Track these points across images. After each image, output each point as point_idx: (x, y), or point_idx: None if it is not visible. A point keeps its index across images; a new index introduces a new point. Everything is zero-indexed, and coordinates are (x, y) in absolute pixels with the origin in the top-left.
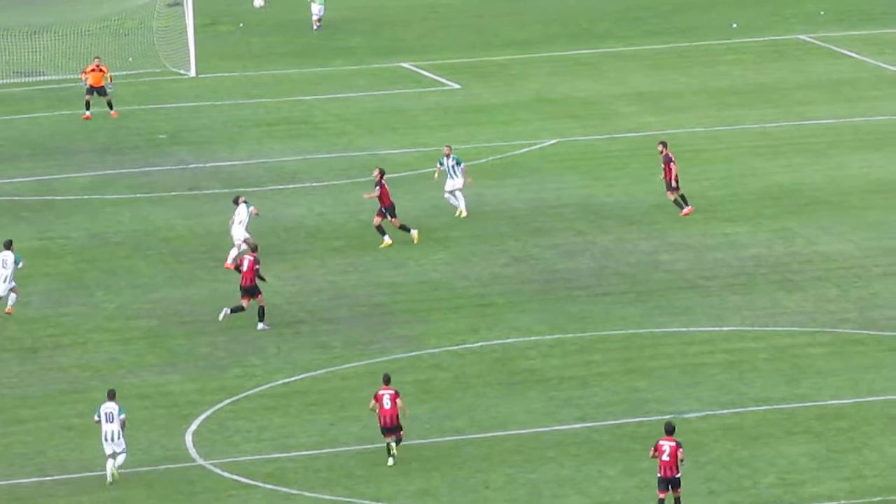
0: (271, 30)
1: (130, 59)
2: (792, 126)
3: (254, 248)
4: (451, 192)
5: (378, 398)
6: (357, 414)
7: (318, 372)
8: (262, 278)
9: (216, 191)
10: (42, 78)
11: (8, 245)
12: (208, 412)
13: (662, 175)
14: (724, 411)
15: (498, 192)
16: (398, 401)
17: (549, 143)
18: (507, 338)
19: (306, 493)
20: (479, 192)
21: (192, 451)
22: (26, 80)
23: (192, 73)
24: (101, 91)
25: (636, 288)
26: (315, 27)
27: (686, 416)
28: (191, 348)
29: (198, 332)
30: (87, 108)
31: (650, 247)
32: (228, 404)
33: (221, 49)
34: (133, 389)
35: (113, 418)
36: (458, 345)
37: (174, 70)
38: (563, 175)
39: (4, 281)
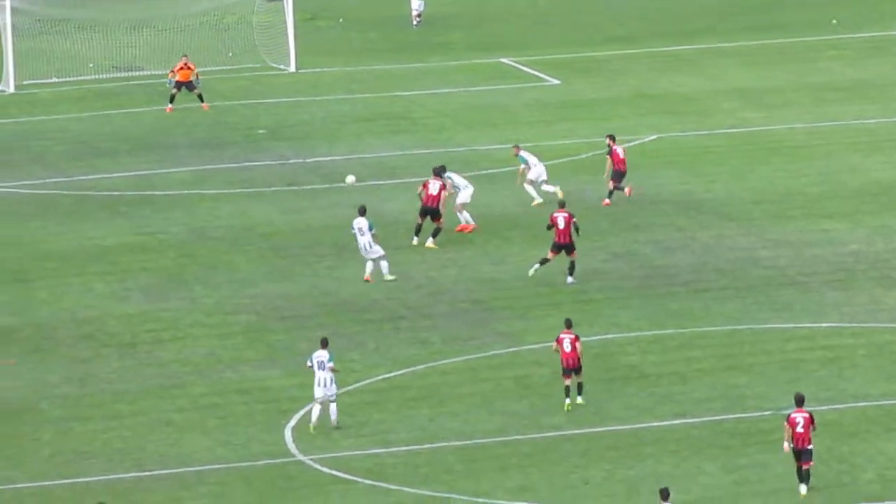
0: (371, 25)
1: (230, 55)
2: (891, 122)
3: (562, 205)
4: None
5: (559, 341)
6: (456, 409)
7: (418, 367)
8: (577, 230)
9: (315, 186)
10: (141, 73)
11: (362, 212)
12: (308, 407)
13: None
14: (824, 408)
15: (597, 188)
16: (577, 344)
17: (648, 138)
18: (607, 333)
19: (406, 489)
20: (579, 189)
21: (292, 447)
22: (125, 74)
23: (292, 69)
24: (189, 86)
25: (735, 284)
26: (415, 22)
27: (785, 412)
28: (290, 343)
29: (297, 328)
30: (171, 102)
31: (749, 243)
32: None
33: (321, 44)
34: (232, 384)
35: (324, 366)
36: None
37: (274, 65)
38: (663, 171)
39: (369, 247)
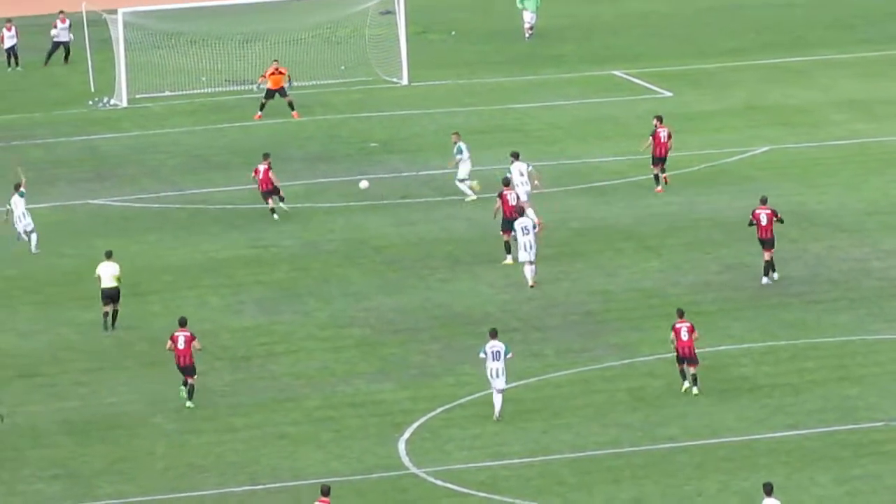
0: (483, 38)
1: (343, 68)
2: None
3: (764, 201)
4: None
5: (676, 331)
6: (570, 421)
7: (531, 380)
8: (780, 220)
9: (428, 199)
10: (253, 87)
11: (521, 212)
12: (421, 420)
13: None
14: None
15: (710, 200)
16: (694, 333)
17: (760, 150)
18: (720, 345)
19: (519, 502)
20: (691, 200)
21: (405, 460)
22: (238, 88)
23: (405, 82)
24: (281, 92)
25: (848, 295)
26: (527, 35)
27: None
28: (403, 356)
29: (410, 341)
30: (261, 109)
31: (862, 254)
32: (441, 412)
33: (433, 57)
34: (345, 398)
35: (500, 356)
36: (670, 352)
37: (386, 78)
38: (775, 182)
39: (530, 247)
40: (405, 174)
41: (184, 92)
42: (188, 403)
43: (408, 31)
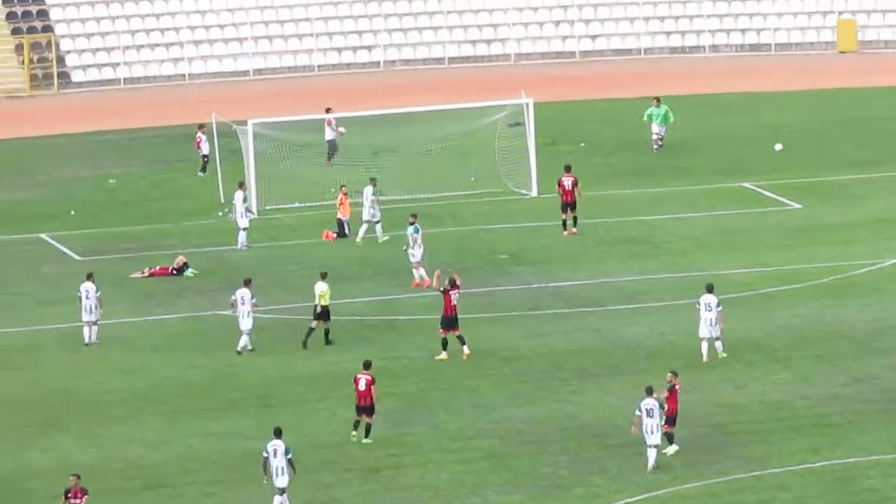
0: (612, 150)
1: (472, 179)
2: None
3: None
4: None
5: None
6: None
7: (660, 492)
8: None
9: (558, 311)
10: (383, 198)
11: (710, 288)
12: None
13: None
14: None
15: (838, 312)
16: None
17: (889, 262)
18: (848, 457)
19: None
20: (820, 312)
21: None
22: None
23: (534, 193)
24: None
25: None
26: (655, 147)
27: None
28: (533, 468)
29: (540, 452)
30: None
31: None
32: None
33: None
34: None
35: (654, 413)
36: (798, 464)
37: (516, 190)
38: None
39: (713, 323)
40: (534, 286)
41: (313, 203)
42: (364, 440)
43: (537, 142)
